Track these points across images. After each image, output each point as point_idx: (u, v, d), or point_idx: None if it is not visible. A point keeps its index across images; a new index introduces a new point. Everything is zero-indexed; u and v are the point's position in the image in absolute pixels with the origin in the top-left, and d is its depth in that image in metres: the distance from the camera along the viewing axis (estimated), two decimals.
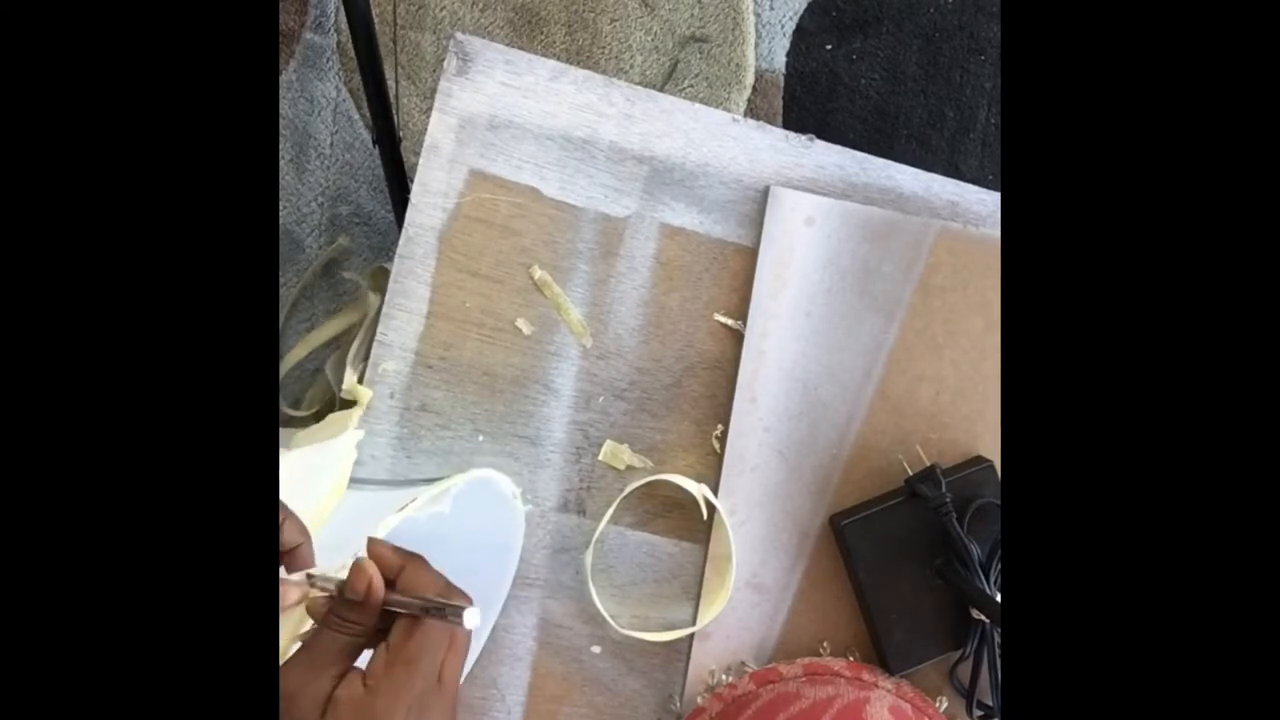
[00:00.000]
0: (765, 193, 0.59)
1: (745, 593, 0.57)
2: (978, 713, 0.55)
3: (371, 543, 0.39)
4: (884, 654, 0.56)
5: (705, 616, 0.56)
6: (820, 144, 0.60)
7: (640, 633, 0.56)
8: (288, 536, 0.41)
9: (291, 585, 0.40)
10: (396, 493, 0.53)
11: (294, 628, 0.41)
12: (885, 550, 0.56)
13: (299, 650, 0.37)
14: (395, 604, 0.37)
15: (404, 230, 0.58)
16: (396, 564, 0.38)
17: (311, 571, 0.41)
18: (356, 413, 0.55)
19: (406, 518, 0.46)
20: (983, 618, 0.54)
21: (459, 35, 0.59)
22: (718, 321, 0.59)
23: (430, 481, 0.53)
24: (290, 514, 0.41)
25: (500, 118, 0.59)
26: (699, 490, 0.56)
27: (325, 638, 0.36)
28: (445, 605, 0.35)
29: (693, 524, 0.58)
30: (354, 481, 0.55)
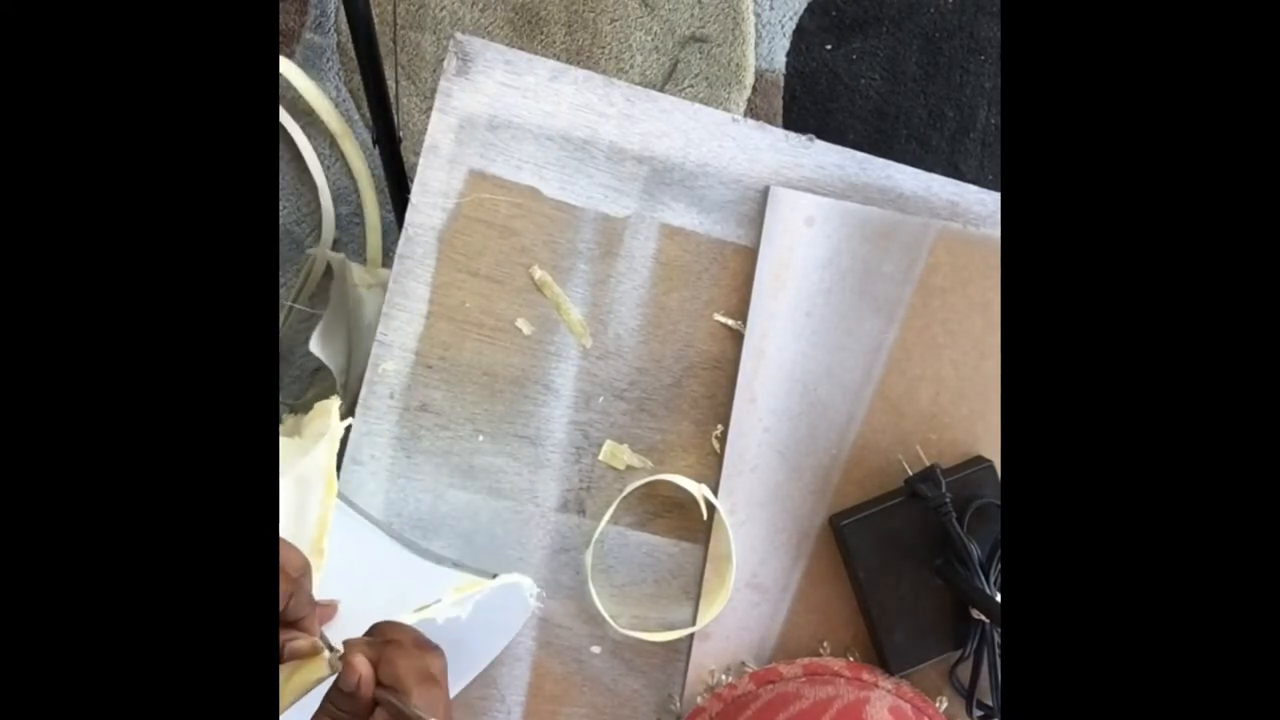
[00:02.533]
0: (765, 193, 0.59)
1: (745, 593, 0.57)
2: (978, 713, 0.55)
3: (350, 646, 0.42)
4: (884, 654, 0.56)
5: (705, 616, 0.56)
6: (820, 144, 0.60)
7: (640, 632, 0.56)
8: (294, 606, 0.42)
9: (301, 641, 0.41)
10: (412, 560, 0.53)
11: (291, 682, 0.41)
12: (885, 550, 0.56)
13: None
14: (383, 700, 0.41)
15: (404, 230, 0.58)
16: (375, 657, 0.42)
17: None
18: (334, 404, 0.53)
19: (423, 619, 0.46)
20: (983, 618, 0.54)
21: (459, 35, 0.59)
22: (717, 321, 0.59)
23: (456, 566, 0.53)
24: (290, 577, 0.41)
25: (500, 118, 0.59)
26: (699, 490, 0.56)
27: None
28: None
29: (693, 524, 0.58)
30: (361, 515, 0.55)
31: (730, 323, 0.59)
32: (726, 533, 0.56)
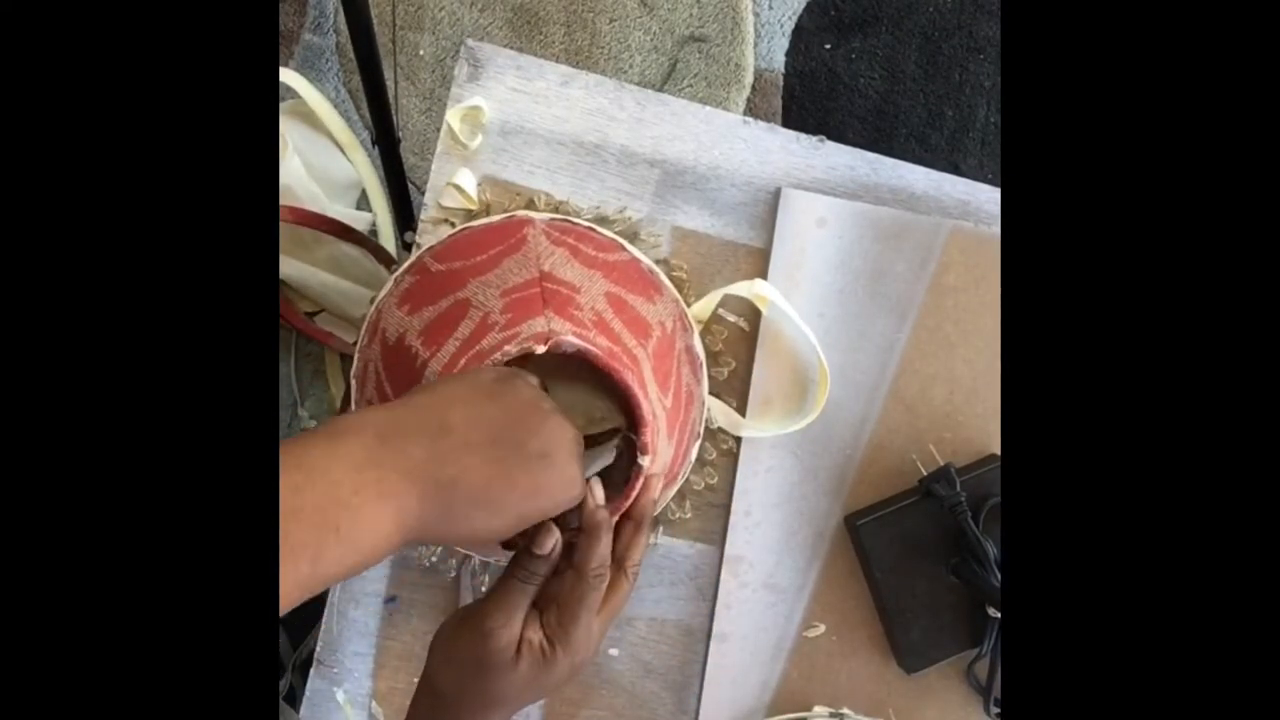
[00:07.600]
0: (777, 194, 0.60)
1: (761, 593, 0.57)
2: (995, 710, 0.56)
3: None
4: (900, 652, 0.56)
5: (817, 409, 0.58)
6: (831, 145, 0.61)
7: (758, 429, 0.58)
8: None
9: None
10: None
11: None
12: (901, 550, 0.56)
13: (492, 595, 0.43)
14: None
15: (419, 233, 0.58)
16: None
17: None
18: None
19: None
20: (999, 615, 0.54)
21: (470, 42, 0.59)
22: (730, 322, 0.59)
23: None
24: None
25: (511, 123, 0.59)
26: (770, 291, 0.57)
27: (514, 587, 0.43)
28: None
29: (708, 526, 0.58)
30: None
31: (741, 322, 0.59)
32: (825, 368, 0.57)
